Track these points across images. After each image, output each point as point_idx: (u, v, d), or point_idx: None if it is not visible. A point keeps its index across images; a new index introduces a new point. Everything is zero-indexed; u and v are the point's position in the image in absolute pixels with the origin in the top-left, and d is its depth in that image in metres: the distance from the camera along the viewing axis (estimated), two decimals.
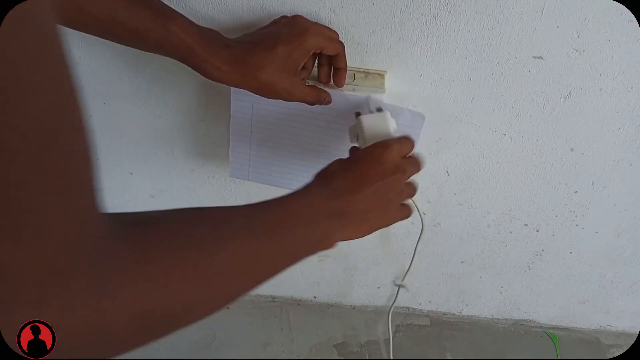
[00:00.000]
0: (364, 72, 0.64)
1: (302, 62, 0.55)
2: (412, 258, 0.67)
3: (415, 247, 0.65)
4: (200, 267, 0.32)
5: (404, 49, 0.62)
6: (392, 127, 0.55)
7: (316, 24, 0.58)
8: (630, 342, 1.10)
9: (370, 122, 0.55)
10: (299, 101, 0.57)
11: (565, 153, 0.74)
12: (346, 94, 0.61)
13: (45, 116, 0.22)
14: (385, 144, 0.50)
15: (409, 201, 0.54)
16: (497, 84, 0.65)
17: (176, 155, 0.79)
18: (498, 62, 0.63)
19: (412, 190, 0.53)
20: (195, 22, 0.52)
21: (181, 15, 0.52)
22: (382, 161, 0.49)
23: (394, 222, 0.52)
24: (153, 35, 0.49)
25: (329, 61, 0.60)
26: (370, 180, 0.48)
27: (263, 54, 0.53)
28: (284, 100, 0.56)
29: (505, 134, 0.72)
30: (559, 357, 1.08)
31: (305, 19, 0.58)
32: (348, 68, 0.63)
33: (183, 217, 0.35)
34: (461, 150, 0.75)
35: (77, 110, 0.24)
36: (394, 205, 0.51)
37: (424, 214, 0.84)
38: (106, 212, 0.26)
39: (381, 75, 0.64)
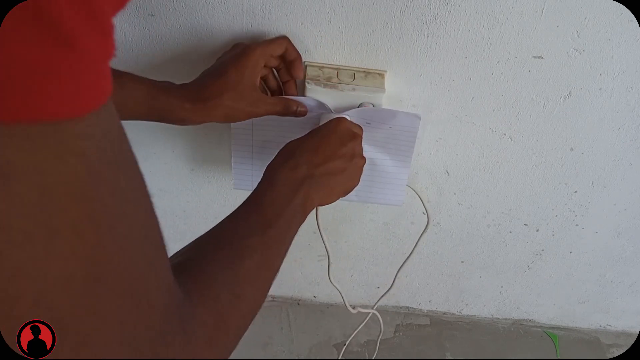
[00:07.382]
0: (364, 71, 0.64)
1: (257, 76, 0.56)
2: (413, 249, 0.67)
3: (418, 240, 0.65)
4: (237, 280, 0.38)
5: (404, 49, 0.62)
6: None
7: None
8: (630, 342, 1.11)
9: (328, 117, 0.60)
10: (268, 114, 0.59)
11: (565, 153, 0.74)
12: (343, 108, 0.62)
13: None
14: (338, 118, 0.58)
15: None
16: (497, 84, 0.65)
17: (176, 155, 0.79)
18: (498, 62, 0.63)
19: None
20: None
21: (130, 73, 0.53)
22: (336, 129, 0.55)
23: (358, 183, 0.58)
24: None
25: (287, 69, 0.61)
26: (329, 147, 0.53)
27: (217, 82, 0.55)
28: (254, 117, 0.58)
29: (505, 134, 0.72)
30: (558, 357, 1.08)
31: (247, 43, 0.59)
32: (348, 67, 0.62)
33: (206, 247, 0.40)
34: (461, 150, 0.75)
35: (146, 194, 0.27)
36: (359, 167, 0.57)
37: (425, 212, 0.84)
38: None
39: (381, 75, 0.64)
